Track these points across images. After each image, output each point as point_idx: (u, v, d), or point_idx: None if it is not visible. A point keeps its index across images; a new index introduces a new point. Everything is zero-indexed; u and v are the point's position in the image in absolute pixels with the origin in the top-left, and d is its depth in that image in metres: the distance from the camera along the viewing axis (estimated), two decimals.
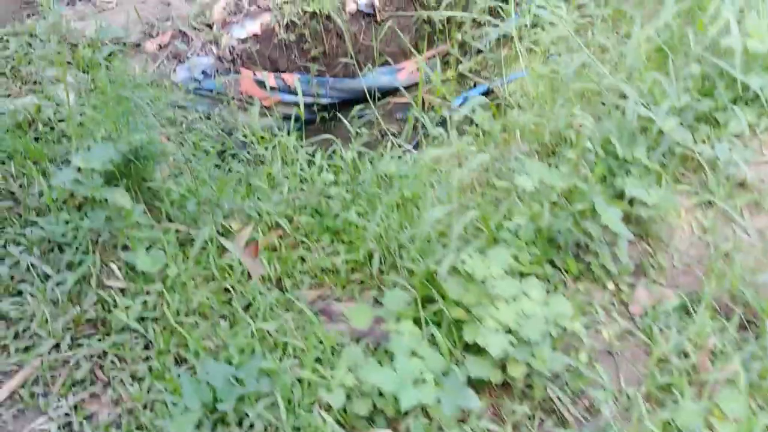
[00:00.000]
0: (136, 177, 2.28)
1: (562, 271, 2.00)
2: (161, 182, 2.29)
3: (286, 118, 3.79)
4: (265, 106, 3.91)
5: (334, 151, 2.94)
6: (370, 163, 2.67)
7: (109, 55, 3.31)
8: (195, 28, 3.71)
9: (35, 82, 2.95)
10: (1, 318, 1.92)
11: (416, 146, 4.06)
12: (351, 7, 4.15)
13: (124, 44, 3.49)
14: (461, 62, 4.64)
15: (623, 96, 2.40)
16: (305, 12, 3.93)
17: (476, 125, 3.04)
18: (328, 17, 4.03)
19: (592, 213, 1.94)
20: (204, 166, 2.51)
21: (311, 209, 2.44)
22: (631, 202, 2.09)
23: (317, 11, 3.94)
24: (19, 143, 2.40)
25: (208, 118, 3.47)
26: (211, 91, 3.61)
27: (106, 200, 1.97)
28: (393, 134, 3.75)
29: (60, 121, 2.64)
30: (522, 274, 1.85)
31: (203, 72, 3.58)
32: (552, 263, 2.01)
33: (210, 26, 3.74)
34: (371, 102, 3.87)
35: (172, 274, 2.00)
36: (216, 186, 2.35)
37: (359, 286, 2.22)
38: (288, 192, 2.48)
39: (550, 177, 1.94)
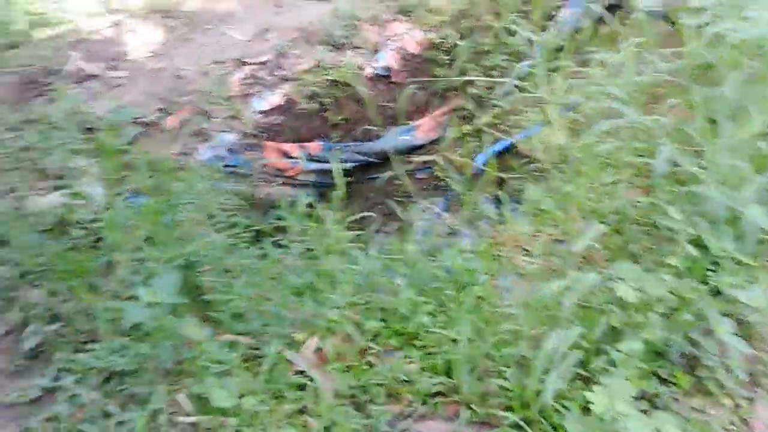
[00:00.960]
0: (190, 288, 2.10)
1: (669, 383, 1.88)
2: (216, 292, 2.12)
3: (312, 185, 3.66)
4: (289, 177, 3.79)
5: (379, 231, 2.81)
6: (431, 255, 2.53)
7: (131, 140, 3.15)
8: (212, 103, 3.57)
9: (58, 177, 2.76)
10: None
11: (446, 208, 3.97)
12: (368, 71, 4.07)
13: (144, 124, 3.33)
14: (476, 117, 4.58)
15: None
16: (326, 80, 3.84)
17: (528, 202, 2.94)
18: (348, 84, 3.93)
19: (699, 321, 1.84)
20: (257, 272, 2.33)
21: (377, 311, 2.28)
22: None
23: (337, 79, 3.85)
24: (56, 255, 2.20)
25: (242, 199, 3.31)
26: (237, 167, 3.47)
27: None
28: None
29: (92, 221, 2.45)
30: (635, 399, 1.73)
31: (228, 149, 3.43)
32: (657, 376, 1.89)
33: (228, 99, 3.60)
34: (393, 163, 3.78)
35: (248, 406, 1.82)
36: (278, 296, 2.18)
37: (441, 399, 2.06)
38: (350, 293, 2.32)
39: (653, 286, 1.83)
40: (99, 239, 2.41)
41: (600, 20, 4.27)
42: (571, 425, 1.60)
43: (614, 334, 1.98)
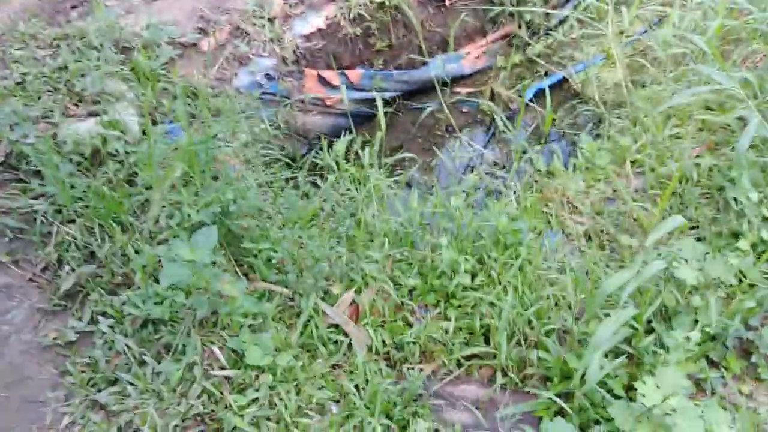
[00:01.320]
0: (225, 234, 2.04)
1: (720, 366, 1.79)
2: (254, 242, 2.05)
3: (351, 114, 3.53)
4: (327, 106, 3.63)
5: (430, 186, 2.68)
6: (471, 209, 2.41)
7: (167, 62, 3.00)
8: (253, 24, 3.37)
9: (94, 101, 2.67)
10: (101, 408, 1.74)
11: (486, 145, 3.79)
12: None
13: (181, 45, 3.16)
14: (529, 45, 4.28)
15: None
16: (372, 2, 3.57)
17: (582, 154, 2.75)
18: (396, 7, 3.66)
19: (760, 307, 1.71)
20: (293, 219, 2.25)
21: (415, 266, 2.20)
22: None
23: (385, 1, 3.58)
24: (91, 190, 2.15)
25: (276, 127, 3.19)
26: (275, 94, 3.32)
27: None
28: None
29: (127, 153, 2.38)
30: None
31: (267, 75, 3.27)
32: (707, 358, 1.80)
33: (270, 20, 3.39)
34: (439, 92, 3.58)
35: (282, 363, 1.80)
36: (315, 245, 2.11)
37: (477, 362, 2.02)
38: (388, 246, 2.24)
39: (718, 269, 1.69)
40: (134, 173, 2.35)
41: None
42: (616, 412, 1.53)
43: (667, 313, 1.88)
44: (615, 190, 2.62)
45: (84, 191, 2.13)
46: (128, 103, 2.70)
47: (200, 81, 3.04)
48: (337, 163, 2.70)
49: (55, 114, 2.53)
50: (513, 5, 4.19)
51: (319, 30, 3.45)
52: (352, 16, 3.52)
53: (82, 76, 2.76)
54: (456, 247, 2.21)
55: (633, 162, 2.73)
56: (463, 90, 4.18)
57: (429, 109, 3.70)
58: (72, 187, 2.15)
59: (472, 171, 3.57)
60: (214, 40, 3.25)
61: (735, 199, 2.18)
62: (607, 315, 1.74)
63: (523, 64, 4.37)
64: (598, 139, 3.11)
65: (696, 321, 1.79)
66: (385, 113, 3.91)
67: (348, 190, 2.59)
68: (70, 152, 2.32)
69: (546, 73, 4.18)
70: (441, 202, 2.37)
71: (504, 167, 3.63)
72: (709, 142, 2.72)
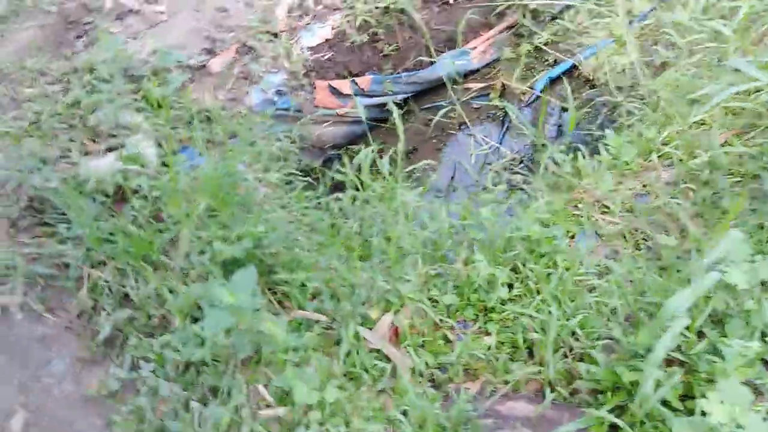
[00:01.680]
0: (260, 268, 2.02)
1: None
2: (288, 271, 2.03)
3: (365, 122, 3.50)
4: (340, 115, 3.59)
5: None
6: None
7: (179, 87, 2.97)
8: (259, 39, 3.33)
9: (110, 135, 2.64)
10: None
11: (501, 140, 3.75)
12: None
13: (190, 68, 3.13)
14: (536, 34, 4.20)
15: None
16: (377, 7, 3.52)
17: (607, 150, 2.70)
18: (401, 10, 3.61)
19: None
20: (324, 243, 2.22)
21: (450, 281, 2.17)
22: None
23: (389, 5, 3.52)
24: (118, 230, 2.12)
25: (292, 142, 3.16)
26: (288, 109, 3.28)
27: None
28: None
29: (150, 187, 2.35)
30: None
31: (278, 91, 3.24)
32: (764, 362, 1.75)
33: (276, 35, 3.35)
34: (450, 90, 3.54)
35: (329, 397, 1.77)
36: (347, 268, 2.08)
37: (523, 377, 1.98)
38: (421, 263, 2.20)
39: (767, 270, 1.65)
40: (159, 208, 2.32)
41: None
42: (679, 429, 1.50)
43: (717, 317, 1.84)
44: (645, 185, 2.56)
45: (111, 233, 2.10)
46: (144, 134, 2.67)
47: (213, 103, 3.00)
48: (360, 180, 2.66)
49: (73, 153, 2.51)
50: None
51: (327, 40, 3.41)
52: (358, 23, 3.47)
53: (96, 110, 2.73)
54: (490, 259, 2.18)
55: (660, 154, 2.67)
56: (474, 86, 4.12)
57: (443, 110, 3.65)
58: (98, 228, 2.12)
59: (489, 168, 3.54)
60: (223, 59, 3.21)
61: None
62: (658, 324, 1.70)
63: (531, 54, 4.30)
64: (615, 129, 3.06)
65: (747, 324, 1.75)
66: (400, 115, 3.89)
67: (374, 207, 2.55)
68: (93, 192, 2.30)
69: (555, 62, 4.12)
70: (470, 211, 2.33)
71: (521, 162, 3.59)
72: (737, 127, 2.66)
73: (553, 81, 3.95)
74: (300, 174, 3.04)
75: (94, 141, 2.63)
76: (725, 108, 2.76)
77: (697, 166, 2.55)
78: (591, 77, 3.95)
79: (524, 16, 4.28)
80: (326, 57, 3.41)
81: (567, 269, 2.15)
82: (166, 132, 2.72)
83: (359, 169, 2.80)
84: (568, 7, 4.27)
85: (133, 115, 2.74)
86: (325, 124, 3.55)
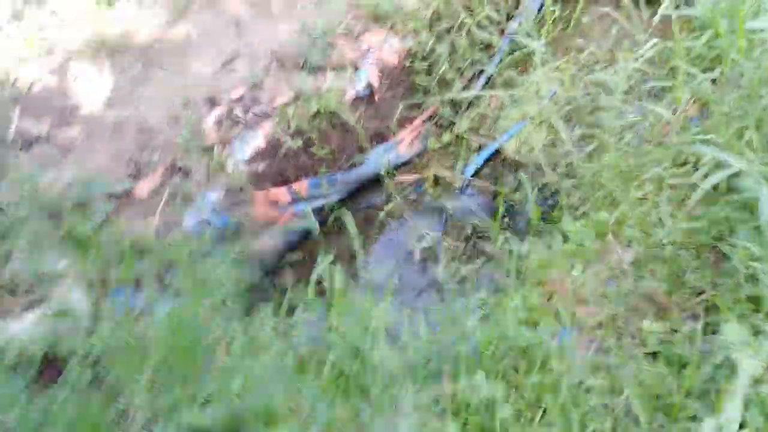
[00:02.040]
0: (232, 424, 1.75)
1: None
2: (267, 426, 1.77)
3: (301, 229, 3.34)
4: (280, 224, 3.41)
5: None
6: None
7: (105, 219, 2.70)
8: (188, 156, 3.13)
9: (31, 285, 2.31)
10: None
11: (444, 230, 3.69)
12: (350, 94, 3.70)
13: (114, 196, 2.87)
14: (454, 122, 4.28)
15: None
16: (308, 112, 3.44)
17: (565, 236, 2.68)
18: (332, 112, 3.55)
19: None
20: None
21: (448, 408, 1.98)
22: None
23: (321, 110, 3.46)
24: (54, 406, 1.79)
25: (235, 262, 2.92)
26: (226, 227, 3.06)
27: None
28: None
29: (86, 352, 2.03)
30: None
31: (214, 210, 3.02)
32: None
33: (206, 150, 3.17)
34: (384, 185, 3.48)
35: None
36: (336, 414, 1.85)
37: None
38: (410, 389, 2.01)
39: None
40: (103, 370, 2.01)
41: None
42: None
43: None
44: (611, 269, 2.54)
45: (45, 417, 1.77)
46: (71, 280, 2.36)
47: (145, 233, 2.74)
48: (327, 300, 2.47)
49: None
50: (435, 89, 4.21)
51: (261, 150, 3.26)
52: (290, 129, 3.37)
53: (10, 259, 2.40)
54: (483, 370, 2.03)
55: (615, 235, 2.68)
56: (407, 178, 4.10)
57: (388, 206, 3.58)
58: (27, 413, 1.78)
59: (435, 261, 3.48)
60: (150, 182, 2.98)
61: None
62: None
63: (454, 143, 4.36)
64: (562, 212, 3.08)
65: None
66: (336, 218, 3.77)
67: (340, 329, 2.35)
68: (14, 364, 1.96)
69: (480, 147, 4.19)
70: (448, 317, 2.19)
71: (464, 254, 3.54)
72: (676, 200, 2.73)
73: (481, 166, 4.01)
74: (247, 294, 2.80)
75: (12, 295, 2.29)
76: (660, 182, 2.85)
77: (655, 244, 2.56)
78: (517, 159, 4.05)
79: (443, 104, 4.37)
80: (261, 168, 3.25)
81: (563, 374, 2.03)
82: (95, 274, 2.42)
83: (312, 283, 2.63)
84: (478, 95, 4.44)
85: (56, 260, 2.43)
86: (265, 235, 3.35)
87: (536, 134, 4.19)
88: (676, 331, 2.17)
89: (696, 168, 2.73)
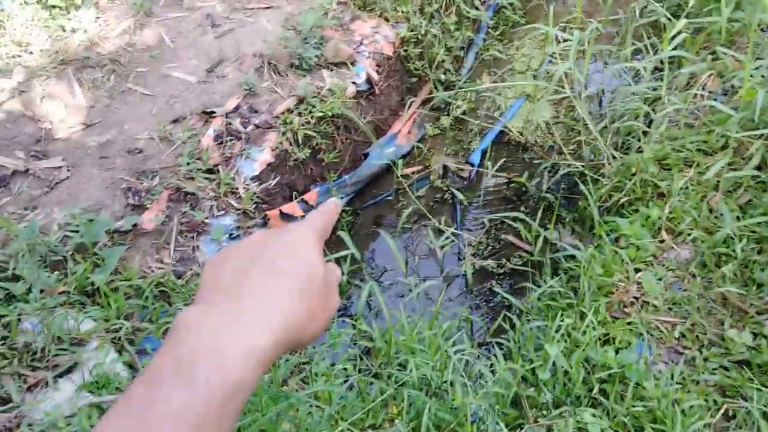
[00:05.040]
0: None
1: None
2: None
3: None
4: None
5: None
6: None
7: (116, 266, 2.40)
8: (193, 179, 2.83)
9: (54, 355, 2.02)
10: None
11: (459, 225, 3.54)
12: (351, 90, 3.44)
13: (120, 233, 2.56)
14: (450, 104, 4.11)
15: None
16: (313, 117, 3.17)
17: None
18: (336, 114, 3.30)
19: None
20: None
21: None
22: None
23: (325, 113, 3.19)
24: None
25: None
26: None
27: None
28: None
29: None
30: None
31: (230, 236, 2.76)
32: None
33: (211, 170, 2.87)
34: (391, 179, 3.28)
35: None
36: None
37: None
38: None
39: None
40: None
41: None
42: None
43: None
44: (671, 270, 2.44)
45: None
46: (97, 341, 2.08)
47: (163, 272, 2.46)
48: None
49: (12, 393, 1.86)
50: (428, 72, 4.01)
51: (269, 164, 2.99)
52: (297, 139, 3.10)
53: (20, 323, 2.09)
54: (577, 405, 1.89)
55: (668, 231, 2.58)
56: (412, 169, 3.91)
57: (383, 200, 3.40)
58: None
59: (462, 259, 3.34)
60: (154, 212, 2.68)
61: None
62: None
63: (454, 127, 4.20)
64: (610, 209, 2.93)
65: None
66: (349, 221, 3.56)
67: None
68: None
69: (481, 130, 4.05)
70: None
71: (489, 246, 3.41)
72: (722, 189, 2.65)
73: (486, 151, 3.86)
74: None
75: (32, 369, 1.99)
76: (699, 165, 2.76)
77: (716, 242, 2.44)
78: (523, 141, 3.91)
79: (435, 87, 4.17)
80: (272, 184, 2.98)
81: (659, 398, 1.92)
82: (120, 328, 2.15)
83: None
84: (470, 71, 4.27)
85: (73, 319, 2.14)
86: None
87: (538, 112, 4.08)
88: (758, 335, 2.09)
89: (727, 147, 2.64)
